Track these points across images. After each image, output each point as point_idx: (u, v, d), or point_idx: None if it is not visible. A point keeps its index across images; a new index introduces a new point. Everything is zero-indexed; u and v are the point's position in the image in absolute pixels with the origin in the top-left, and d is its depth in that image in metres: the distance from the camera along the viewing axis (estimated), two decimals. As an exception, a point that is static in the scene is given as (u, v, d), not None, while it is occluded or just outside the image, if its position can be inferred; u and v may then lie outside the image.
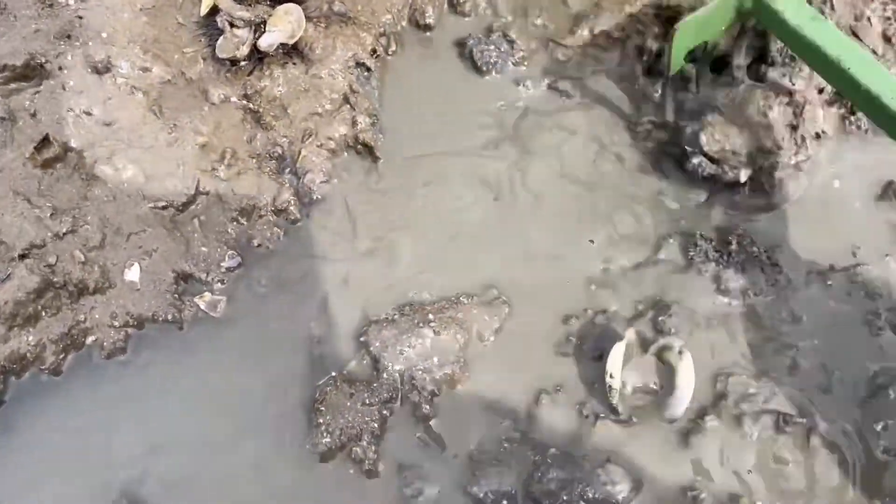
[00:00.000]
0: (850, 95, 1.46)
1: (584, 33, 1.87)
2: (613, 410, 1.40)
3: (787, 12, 1.49)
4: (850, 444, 1.36)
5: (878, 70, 1.40)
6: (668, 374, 1.43)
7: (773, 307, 1.50)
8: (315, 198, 1.63)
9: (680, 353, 1.41)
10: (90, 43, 1.65)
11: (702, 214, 1.63)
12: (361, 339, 1.47)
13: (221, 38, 1.68)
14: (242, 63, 1.69)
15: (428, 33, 1.87)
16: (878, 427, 1.37)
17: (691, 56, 1.70)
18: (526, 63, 1.84)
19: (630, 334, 1.44)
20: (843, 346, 1.44)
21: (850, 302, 1.49)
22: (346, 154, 1.69)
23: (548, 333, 1.52)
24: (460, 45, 1.84)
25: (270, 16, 1.69)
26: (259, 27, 1.69)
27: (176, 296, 1.50)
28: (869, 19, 1.76)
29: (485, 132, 1.75)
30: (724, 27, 1.65)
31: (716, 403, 1.41)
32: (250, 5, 1.70)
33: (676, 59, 1.68)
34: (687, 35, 1.62)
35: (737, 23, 1.65)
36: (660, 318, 1.50)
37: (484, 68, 1.81)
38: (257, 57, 1.70)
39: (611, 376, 1.39)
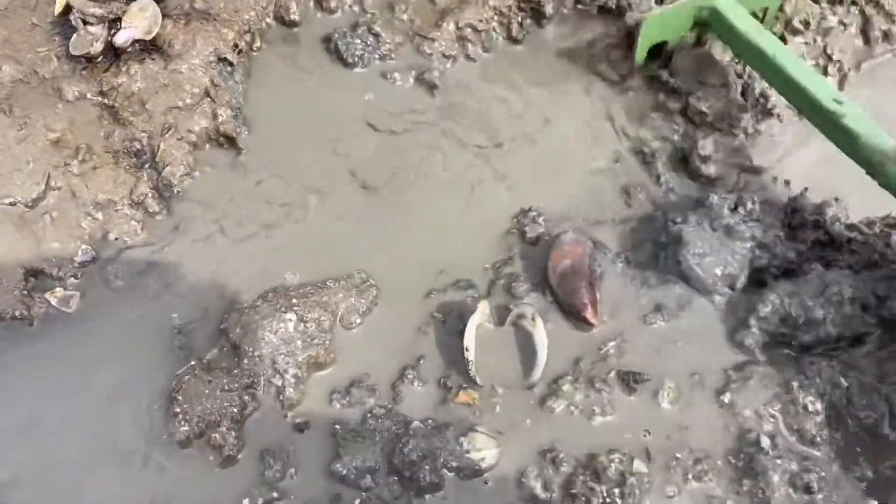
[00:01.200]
0: (792, 99, 1.59)
1: (449, 27, 1.91)
2: (474, 382, 1.41)
3: (737, 22, 1.62)
4: (698, 398, 1.41)
5: (811, 75, 1.55)
6: (525, 341, 1.45)
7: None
8: (176, 191, 1.61)
9: (533, 319, 1.44)
10: (-66, 44, 1.61)
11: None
12: (222, 326, 1.45)
13: (75, 35, 1.66)
14: (98, 60, 1.67)
15: (294, 29, 1.88)
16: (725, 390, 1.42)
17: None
18: (393, 56, 1.86)
19: (482, 306, 1.46)
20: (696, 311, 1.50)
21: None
22: (208, 147, 1.68)
23: (414, 312, 1.53)
24: (327, 40, 1.86)
25: (125, 12, 1.67)
26: (114, 24, 1.67)
27: (25, 293, 1.45)
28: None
29: (352, 124, 1.77)
30: (682, 32, 1.76)
31: (571, 367, 1.43)
32: (105, 2, 1.68)
33: (641, 49, 1.76)
34: (652, 28, 1.71)
35: (692, 29, 1.76)
36: (513, 285, 1.53)
37: (350, 61, 1.83)
38: (114, 54, 1.68)
39: (467, 350, 1.41)
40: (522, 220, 1.64)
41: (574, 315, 1.50)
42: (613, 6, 1.89)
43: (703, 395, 1.41)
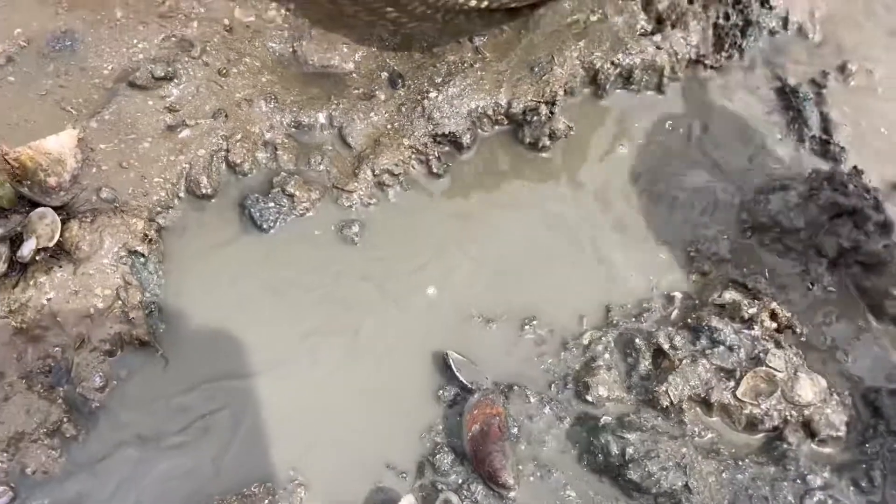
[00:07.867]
0: None
1: (366, 175, 1.87)
2: None
3: None
4: None
5: None
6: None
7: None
8: (93, 406, 1.58)
9: (461, 511, 1.40)
10: None
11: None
12: (141, 564, 1.42)
13: (-24, 261, 1.64)
14: (4, 280, 1.65)
15: (211, 201, 1.85)
16: None
17: None
18: (311, 213, 1.83)
19: (406, 501, 1.42)
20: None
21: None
22: (123, 351, 1.65)
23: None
24: (242, 207, 1.83)
25: (25, 224, 1.65)
26: (16, 239, 1.65)
27: (-60, 552, 1.43)
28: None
29: (273, 294, 1.73)
30: None
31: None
32: (6, 217, 1.67)
33: None
34: None
35: None
36: (437, 458, 1.50)
37: (264, 227, 1.80)
38: (20, 268, 1.66)
39: (389, 565, 1.37)
40: (440, 380, 1.61)
41: (494, 483, 1.46)
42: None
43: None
